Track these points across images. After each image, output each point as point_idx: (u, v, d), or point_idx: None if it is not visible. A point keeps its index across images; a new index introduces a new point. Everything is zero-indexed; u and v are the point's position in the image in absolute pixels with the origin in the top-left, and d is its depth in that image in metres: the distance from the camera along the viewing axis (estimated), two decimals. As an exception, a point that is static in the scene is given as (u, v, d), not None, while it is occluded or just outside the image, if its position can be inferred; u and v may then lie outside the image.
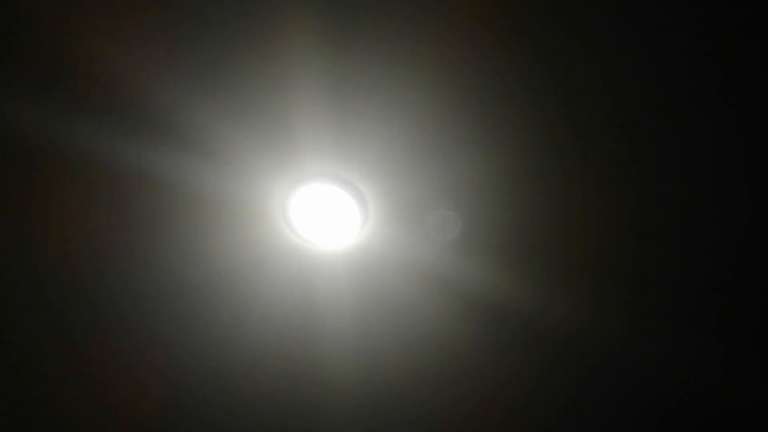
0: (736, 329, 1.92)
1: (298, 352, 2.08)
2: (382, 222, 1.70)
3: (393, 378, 2.20)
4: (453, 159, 1.56)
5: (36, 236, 1.69)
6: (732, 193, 1.64)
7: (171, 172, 1.56)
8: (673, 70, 1.40)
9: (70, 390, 2.14)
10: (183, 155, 1.53)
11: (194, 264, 1.77)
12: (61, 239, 1.70)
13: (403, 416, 2.45)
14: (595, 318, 2.00)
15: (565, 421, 2.29)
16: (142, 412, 2.22)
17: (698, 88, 1.42)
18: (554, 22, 1.33)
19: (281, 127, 1.48)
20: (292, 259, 1.77)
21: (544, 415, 2.29)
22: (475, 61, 1.39)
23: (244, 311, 1.92)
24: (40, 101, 1.42)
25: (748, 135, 1.51)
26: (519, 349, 2.12)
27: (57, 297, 1.85)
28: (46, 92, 1.41)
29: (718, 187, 1.61)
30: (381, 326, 1.97)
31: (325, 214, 1.64)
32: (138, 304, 1.87)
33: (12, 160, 1.53)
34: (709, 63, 1.38)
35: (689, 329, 2.00)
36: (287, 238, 1.72)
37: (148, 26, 1.31)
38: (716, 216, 1.67)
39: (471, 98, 1.45)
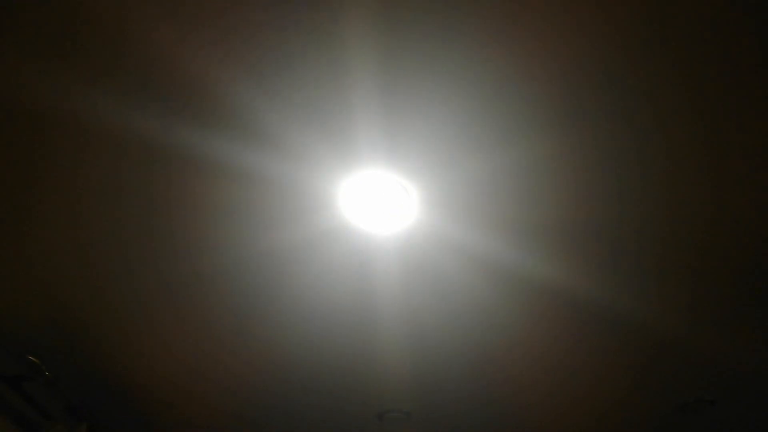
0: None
1: (354, 320, 2.26)
2: (426, 209, 1.81)
3: (436, 339, 2.37)
4: (495, 151, 1.64)
5: (128, 224, 1.86)
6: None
7: (246, 166, 1.71)
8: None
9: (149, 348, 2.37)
10: (255, 151, 1.66)
11: (269, 246, 1.95)
12: (150, 226, 1.87)
13: (450, 389, 2.59)
14: (638, 304, 2.06)
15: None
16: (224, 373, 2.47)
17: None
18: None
19: (341, 126, 1.58)
20: (348, 241, 1.93)
21: (599, 402, 2.37)
22: (518, 58, 1.43)
23: (310, 285, 2.11)
24: (131, 101, 1.53)
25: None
26: (571, 334, 2.19)
27: (142, 279, 2.06)
28: (135, 93, 1.52)
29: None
30: (424, 295, 2.14)
31: (376, 201, 1.77)
32: (218, 280, 2.08)
33: (105, 153, 1.66)
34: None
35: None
36: (343, 222, 1.86)
37: (225, 33, 1.38)
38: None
39: (515, 94, 1.50)
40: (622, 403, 2.68)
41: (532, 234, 1.86)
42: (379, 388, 2.59)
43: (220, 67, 1.44)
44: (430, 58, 1.42)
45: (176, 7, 1.31)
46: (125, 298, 2.10)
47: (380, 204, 1.77)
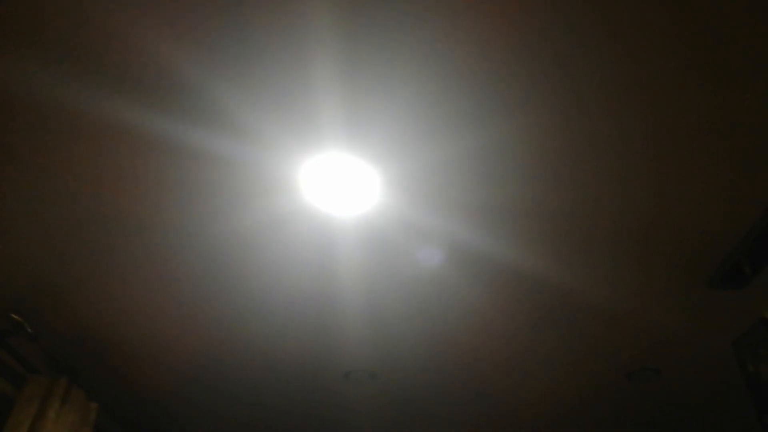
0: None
1: (316, 299, 2.36)
2: (389, 191, 1.84)
3: (397, 318, 2.49)
4: (458, 134, 1.64)
5: (85, 198, 1.87)
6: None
7: (205, 146, 1.69)
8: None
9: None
10: (214, 131, 1.64)
11: (227, 227, 1.99)
12: (102, 202, 1.88)
13: (410, 357, 2.75)
14: (596, 289, 2.18)
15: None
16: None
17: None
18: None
19: (302, 107, 1.55)
20: (307, 223, 1.97)
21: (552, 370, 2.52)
22: (481, 38, 1.39)
23: (271, 266, 2.18)
24: (86, 82, 1.49)
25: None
26: (527, 311, 2.31)
27: (106, 253, 2.10)
28: (90, 74, 1.48)
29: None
30: (385, 277, 2.22)
31: (338, 183, 1.78)
32: (178, 259, 2.14)
33: (63, 132, 1.64)
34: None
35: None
36: (305, 204, 1.89)
37: (180, 12, 1.32)
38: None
39: (478, 75, 1.47)
40: (575, 372, 2.87)
41: (494, 216, 1.92)
42: (343, 352, 2.74)
43: (175, 46, 1.39)
44: (392, 38, 1.38)
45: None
46: (96, 268, 2.16)
47: (342, 186, 1.79)
